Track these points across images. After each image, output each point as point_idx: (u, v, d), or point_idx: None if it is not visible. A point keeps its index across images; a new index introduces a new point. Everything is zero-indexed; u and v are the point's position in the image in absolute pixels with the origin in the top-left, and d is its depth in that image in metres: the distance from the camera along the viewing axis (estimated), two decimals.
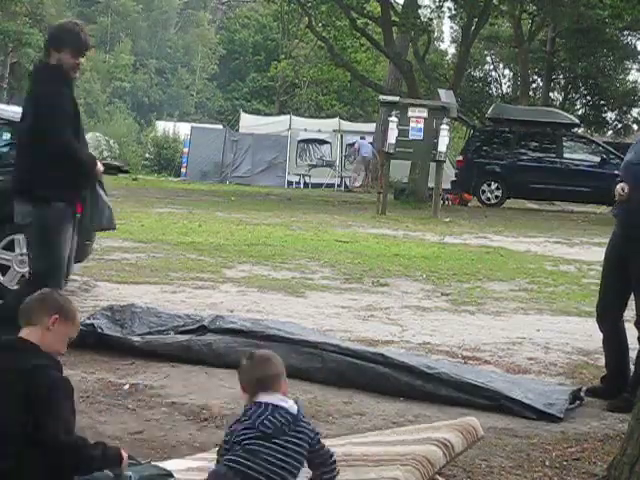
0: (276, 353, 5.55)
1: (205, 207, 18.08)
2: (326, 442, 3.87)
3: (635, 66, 41.07)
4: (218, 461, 3.19)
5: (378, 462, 3.47)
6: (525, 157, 23.25)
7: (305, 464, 3.18)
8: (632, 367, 5.35)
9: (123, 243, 11.57)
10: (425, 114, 18.90)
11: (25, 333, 3.27)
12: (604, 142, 27.33)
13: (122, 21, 53.15)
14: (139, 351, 5.78)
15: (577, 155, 23.21)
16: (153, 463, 3.55)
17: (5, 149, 8.34)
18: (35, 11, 38.66)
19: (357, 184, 28.64)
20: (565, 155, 23.04)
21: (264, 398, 3.19)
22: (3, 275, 7.62)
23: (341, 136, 31.13)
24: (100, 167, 5.56)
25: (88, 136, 34.06)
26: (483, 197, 22.97)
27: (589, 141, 24.91)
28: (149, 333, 6.06)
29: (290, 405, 3.20)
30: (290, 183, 29.73)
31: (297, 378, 5.40)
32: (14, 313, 3.37)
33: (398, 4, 27.00)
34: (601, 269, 5.66)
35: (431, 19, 28.96)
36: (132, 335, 5.99)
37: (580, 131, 31.24)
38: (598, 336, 5.69)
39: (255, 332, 5.87)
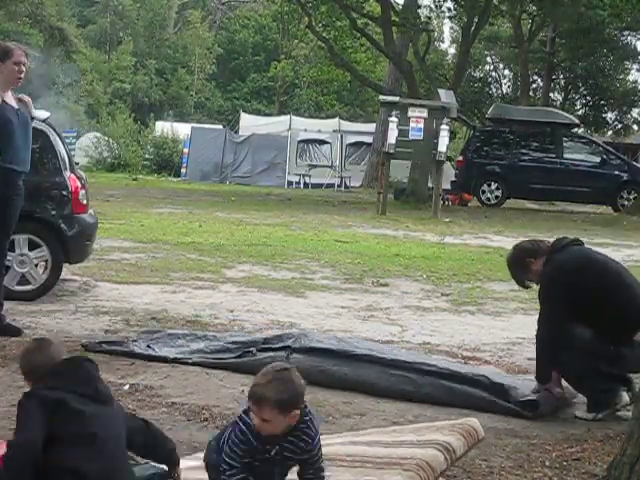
0: (367, 374, 5.31)
1: (205, 207, 18.07)
2: (326, 439, 3.87)
3: (635, 66, 41.15)
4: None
5: (379, 465, 3.46)
6: (525, 157, 23.25)
7: None
8: None
9: (123, 243, 11.57)
10: (425, 114, 18.89)
11: None
12: (604, 142, 27.37)
13: (119, 22, 53.10)
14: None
15: (577, 155, 23.22)
16: (152, 463, 3.54)
17: None
18: (35, 11, 38.62)
19: None
20: (565, 155, 23.03)
21: None
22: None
23: (341, 136, 31.11)
24: None
25: (88, 136, 33.70)
26: (483, 197, 22.96)
27: (589, 141, 24.92)
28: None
29: None
30: (290, 183, 29.71)
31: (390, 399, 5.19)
32: None
33: (398, 4, 27.00)
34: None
35: (430, 18, 28.97)
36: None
37: (580, 131, 31.24)
38: None
39: (344, 352, 5.55)
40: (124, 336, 6.37)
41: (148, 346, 5.98)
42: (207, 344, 6.03)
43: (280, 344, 5.74)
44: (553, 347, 5.04)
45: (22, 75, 6.07)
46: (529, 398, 5.05)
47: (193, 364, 5.69)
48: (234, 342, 5.96)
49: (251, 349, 5.79)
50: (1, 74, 6.00)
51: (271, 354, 5.60)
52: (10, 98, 6.15)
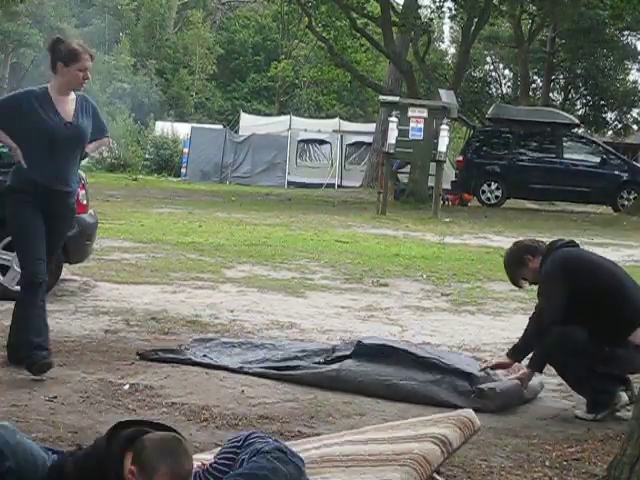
0: (435, 391, 5.11)
1: (205, 207, 18.08)
2: (323, 440, 3.87)
3: (635, 66, 41.14)
4: None
5: (375, 462, 3.45)
6: (525, 157, 23.25)
7: None
8: None
9: (123, 243, 11.57)
10: (425, 114, 18.89)
11: None
12: (604, 142, 27.36)
13: (118, 22, 53.07)
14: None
15: (577, 155, 23.21)
16: None
17: (5, 149, 8.34)
18: (35, 11, 38.68)
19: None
20: (565, 155, 23.02)
21: None
22: (3, 275, 7.62)
23: (341, 136, 31.10)
24: None
25: None
26: (483, 197, 22.97)
27: (589, 141, 24.92)
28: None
29: None
30: (290, 183, 29.71)
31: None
32: None
33: (398, 4, 27.03)
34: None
35: (431, 19, 28.96)
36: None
37: (580, 131, 31.24)
38: None
39: (412, 354, 5.42)
40: (177, 342, 6.21)
41: (205, 355, 5.81)
42: (266, 352, 5.84)
43: (348, 352, 5.60)
44: (546, 332, 5.01)
45: (86, 81, 5.42)
46: (488, 386, 5.07)
47: (253, 374, 5.49)
48: (303, 350, 5.83)
49: (320, 358, 5.68)
50: (62, 77, 5.38)
51: (335, 366, 5.45)
52: (65, 103, 5.45)
